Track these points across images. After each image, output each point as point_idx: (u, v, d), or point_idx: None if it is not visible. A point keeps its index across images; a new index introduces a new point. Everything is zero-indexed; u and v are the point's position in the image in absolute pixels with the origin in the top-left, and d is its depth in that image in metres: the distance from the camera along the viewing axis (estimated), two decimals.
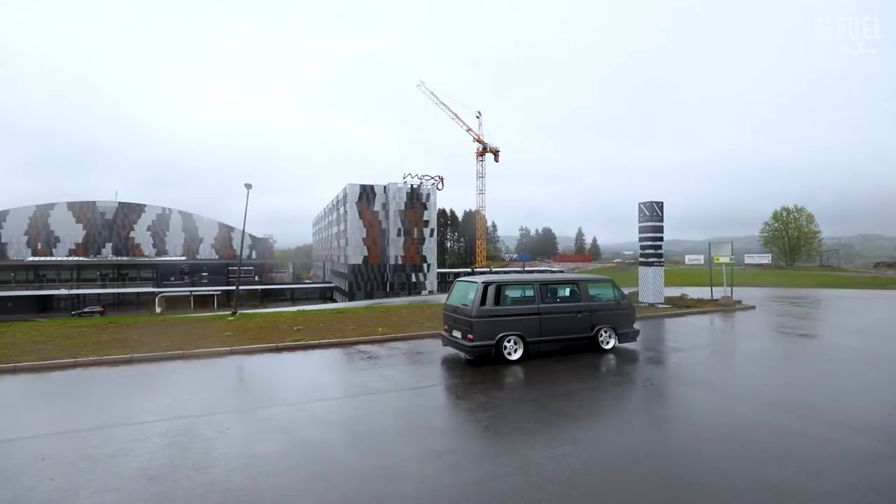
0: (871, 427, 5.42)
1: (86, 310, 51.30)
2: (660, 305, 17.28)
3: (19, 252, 64.16)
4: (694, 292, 21.42)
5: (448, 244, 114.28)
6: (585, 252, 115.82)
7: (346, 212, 62.19)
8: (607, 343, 9.91)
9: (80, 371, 8.71)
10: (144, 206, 74.32)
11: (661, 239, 17.93)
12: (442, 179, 64.41)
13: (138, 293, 59.92)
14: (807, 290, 26.87)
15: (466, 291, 9.39)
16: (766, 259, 34.52)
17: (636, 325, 10.48)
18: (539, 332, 9.23)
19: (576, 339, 9.68)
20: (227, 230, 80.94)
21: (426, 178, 63.12)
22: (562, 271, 79.62)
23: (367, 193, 61.59)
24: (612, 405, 6.45)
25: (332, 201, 74.86)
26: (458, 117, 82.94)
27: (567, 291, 9.98)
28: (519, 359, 8.96)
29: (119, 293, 58.99)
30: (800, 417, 5.75)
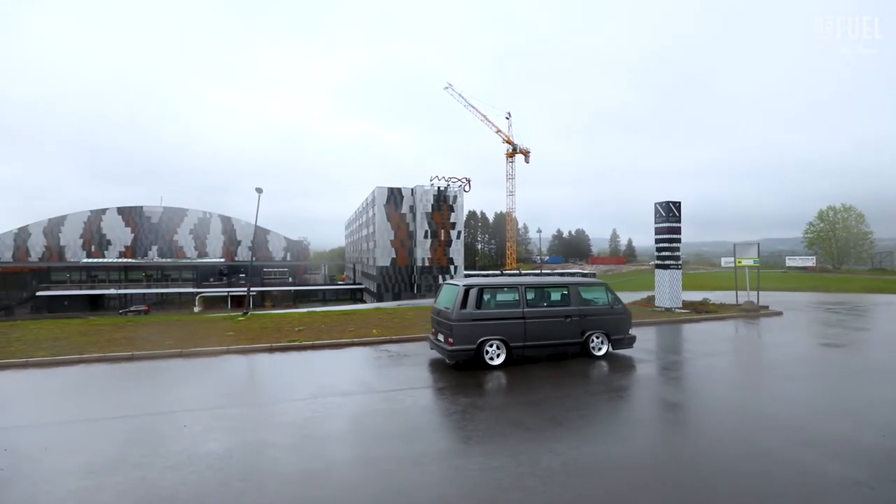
0: (855, 449, 4.92)
1: (132, 308, 54.48)
2: (677, 310, 16.49)
3: (75, 254, 68.96)
4: (721, 297, 20.32)
5: (479, 246, 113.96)
6: (620, 254, 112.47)
7: (374, 214, 63.16)
8: (599, 349, 9.53)
9: (82, 367, 9.20)
10: (187, 210, 78.16)
11: (678, 241, 17.12)
12: (469, 181, 64.28)
13: (180, 293, 63.14)
14: (851, 294, 24.90)
15: (451, 294, 9.27)
16: (810, 262, 32.21)
17: (632, 331, 10.00)
18: (523, 337, 8.98)
19: (564, 344, 9.35)
20: (263, 233, 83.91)
21: (453, 180, 63.21)
22: (594, 274, 77.67)
23: (394, 196, 62.28)
24: (576, 416, 6.16)
25: (362, 204, 76.22)
26: (486, 119, 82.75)
27: (555, 295, 9.67)
28: (502, 364, 8.75)
29: (162, 293, 62.33)
30: (780, 436, 5.28)
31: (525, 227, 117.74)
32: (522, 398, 6.88)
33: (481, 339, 8.70)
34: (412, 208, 62.61)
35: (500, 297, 9.26)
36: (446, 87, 79.07)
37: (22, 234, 68.11)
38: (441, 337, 9.07)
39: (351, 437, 5.37)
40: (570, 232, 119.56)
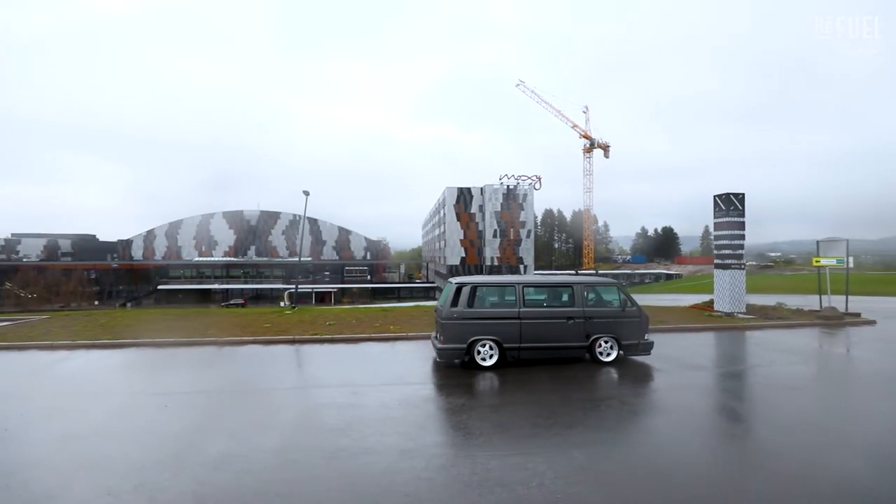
0: (842, 495, 4.04)
1: (231, 302, 61.09)
2: (739, 315, 14.64)
3: (189, 253, 78.96)
4: (805, 301, 17.63)
5: (556, 245, 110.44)
6: (713, 253, 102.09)
7: (444, 214, 64.17)
8: (608, 355, 8.80)
9: (132, 350, 10.59)
10: (279, 213, 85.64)
11: (741, 237, 15.19)
12: (539, 179, 62.57)
13: (271, 289, 69.45)
14: None
15: (447, 293, 9.19)
16: None
17: (650, 336, 9.08)
18: (519, 339, 8.60)
19: (566, 347, 8.79)
20: (345, 234, 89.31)
21: (523, 178, 61.96)
22: (680, 275, 71.57)
23: (464, 196, 62.72)
24: (529, 424, 5.75)
25: (435, 205, 77.77)
26: (561, 114, 79.91)
27: (557, 295, 9.13)
28: (494, 366, 8.46)
29: (256, 289, 69.06)
30: (760, 473, 4.51)
31: (605, 226, 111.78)
32: (488, 401, 6.64)
33: (472, 339, 8.49)
34: (481, 207, 62.57)
35: (495, 296, 8.97)
36: (518, 85, 77.75)
37: (149, 237, 79.65)
38: (437, 335, 9.03)
39: (293, 427, 5.59)
40: (656, 230, 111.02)
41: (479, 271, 62.04)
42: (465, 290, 8.67)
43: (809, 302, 17.29)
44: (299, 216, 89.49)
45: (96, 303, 55.74)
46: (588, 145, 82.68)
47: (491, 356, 8.54)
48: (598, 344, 8.81)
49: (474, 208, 62.85)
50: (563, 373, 8.17)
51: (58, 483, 4.18)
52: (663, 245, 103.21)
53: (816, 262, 14.94)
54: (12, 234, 76.11)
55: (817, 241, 15.59)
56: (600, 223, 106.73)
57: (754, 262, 77.19)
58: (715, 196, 15.57)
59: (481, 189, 62.57)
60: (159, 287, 65.65)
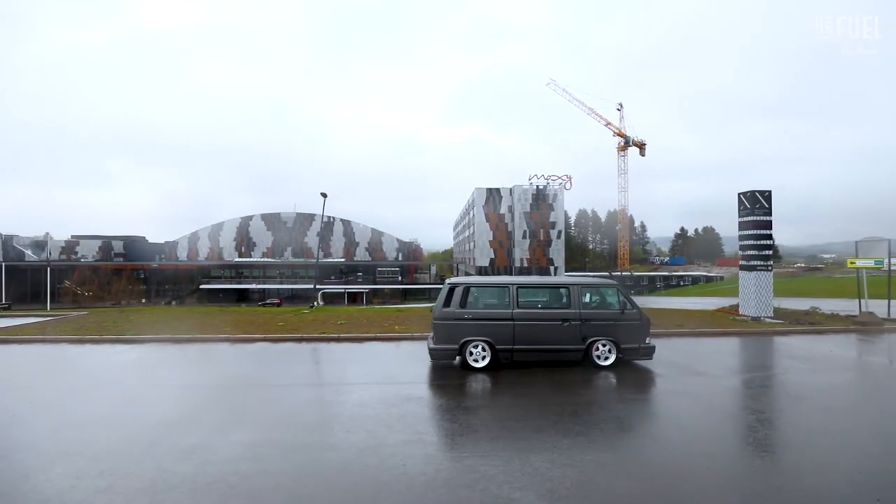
0: None
1: (268, 301, 63.31)
2: (767, 319, 13.85)
3: (230, 254, 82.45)
4: (845, 306, 16.44)
5: (591, 246, 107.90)
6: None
7: (474, 215, 64.05)
8: (606, 358, 8.54)
9: (151, 344, 11.20)
10: (314, 215, 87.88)
11: (767, 237, 14.37)
12: (570, 179, 61.46)
13: (306, 289, 71.49)
14: None
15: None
16: None
17: (651, 340, 8.72)
18: (512, 340, 8.48)
19: (561, 350, 8.59)
20: (378, 235, 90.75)
21: (553, 178, 61.01)
22: (721, 277, 68.31)
23: (493, 197, 62.40)
24: (498, 426, 5.67)
25: (464, 206, 77.78)
26: (594, 112, 78.24)
27: (552, 296, 8.96)
28: (486, 367, 8.38)
29: (292, 288, 71.29)
30: (729, 488, 4.29)
31: (642, 226, 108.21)
32: (467, 403, 6.59)
33: (464, 340, 8.45)
34: (510, 208, 62.04)
35: (488, 296, 8.90)
36: (548, 83, 76.73)
37: (193, 238, 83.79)
38: (431, 336, 9.05)
39: (268, 422, 5.77)
40: (696, 230, 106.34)
41: (508, 272, 61.49)
42: (458, 291, 8.65)
43: (850, 307, 16.13)
44: (332, 218, 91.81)
45: (143, 301, 59.16)
46: (622, 143, 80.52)
47: (483, 357, 8.47)
48: (594, 347, 8.56)
49: (503, 209, 62.40)
50: (555, 376, 7.99)
51: (38, 466, 4.50)
52: (704, 246, 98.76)
53: (851, 263, 13.92)
54: (72, 237, 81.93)
55: (856, 242, 14.54)
56: (637, 223, 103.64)
57: (803, 264, 72.59)
58: (739, 194, 14.82)
59: (510, 189, 62.05)
60: (201, 286, 68.94)
